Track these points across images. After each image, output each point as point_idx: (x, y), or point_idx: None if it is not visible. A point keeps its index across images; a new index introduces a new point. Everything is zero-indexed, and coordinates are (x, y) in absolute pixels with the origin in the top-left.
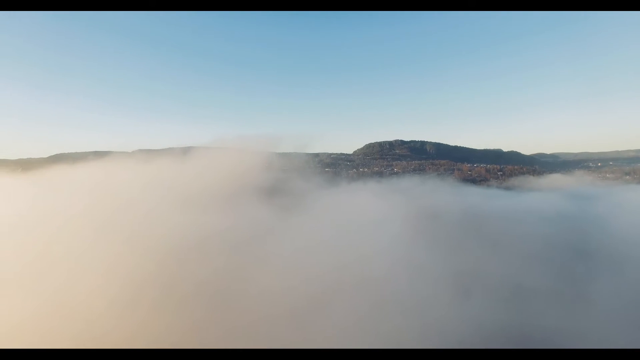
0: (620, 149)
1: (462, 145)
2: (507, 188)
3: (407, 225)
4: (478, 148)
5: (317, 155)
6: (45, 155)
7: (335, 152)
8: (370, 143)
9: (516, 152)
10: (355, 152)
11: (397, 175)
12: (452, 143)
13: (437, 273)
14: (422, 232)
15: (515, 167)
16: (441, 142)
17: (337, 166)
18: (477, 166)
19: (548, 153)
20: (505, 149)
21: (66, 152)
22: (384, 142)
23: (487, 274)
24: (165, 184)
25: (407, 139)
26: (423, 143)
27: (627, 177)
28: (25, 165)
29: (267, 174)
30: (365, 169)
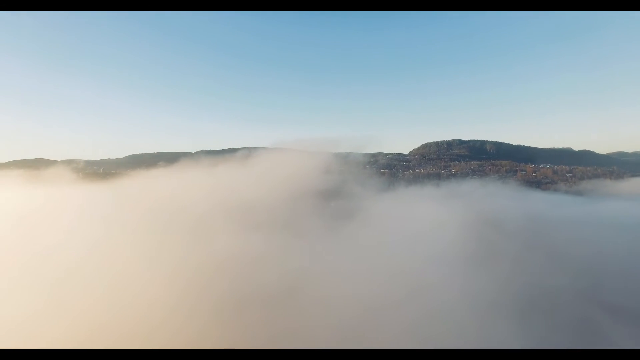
0: None
1: (525, 145)
2: (579, 193)
3: (465, 232)
4: (544, 147)
5: (373, 155)
6: (121, 156)
7: (391, 152)
8: (427, 143)
9: (589, 151)
10: (411, 152)
11: (455, 176)
12: (514, 142)
13: (496, 285)
14: (481, 241)
15: (589, 168)
16: (502, 141)
17: (393, 167)
18: (542, 167)
19: (630, 152)
20: (576, 148)
21: (139, 152)
22: (441, 141)
23: (553, 290)
24: (228, 188)
25: (465, 138)
26: (483, 142)
27: None
28: (106, 166)
29: (325, 176)
30: (422, 170)
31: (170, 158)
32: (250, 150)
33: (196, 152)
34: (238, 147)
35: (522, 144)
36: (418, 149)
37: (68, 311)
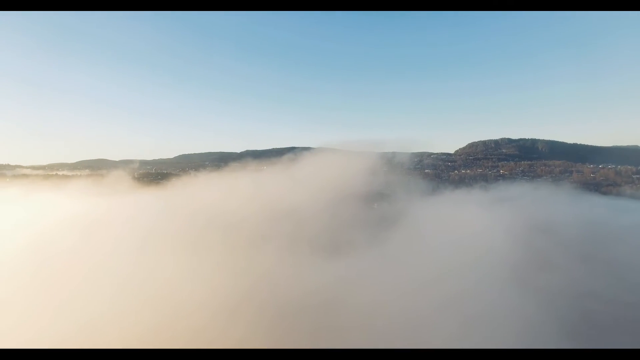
0: None
1: (583, 143)
2: None
3: (514, 240)
4: (604, 145)
5: (417, 155)
6: (172, 156)
7: (436, 151)
8: (474, 142)
9: None
10: (457, 151)
11: (503, 177)
12: (569, 140)
13: (548, 299)
14: (531, 250)
15: None
16: (556, 139)
17: (437, 167)
18: (603, 167)
19: None
20: None
21: (188, 153)
22: (488, 140)
23: (613, 307)
24: (273, 193)
25: (515, 136)
26: (534, 141)
27: None
28: (158, 166)
29: (369, 177)
30: (468, 171)
31: (217, 158)
32: (294, 151)
33: (241, 152)
34: (282, 147)
35: (578, 142)
36: (464, 148)
37: (124, 314)
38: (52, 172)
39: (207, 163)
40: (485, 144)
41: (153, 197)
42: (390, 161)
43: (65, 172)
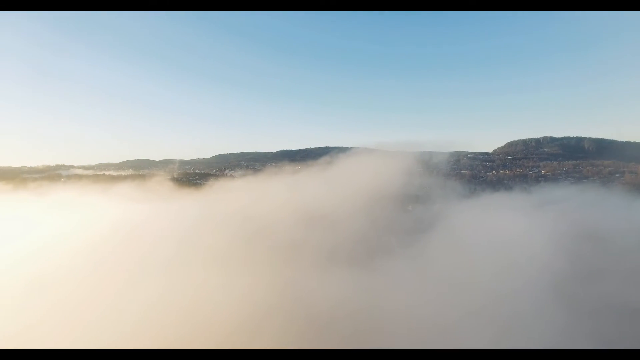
0: None
1: (636, 141)
2: None
3: (557, 248)
4: None
5: (454, 154)
6: (209, 156)
7: (473, 150)
8: (513, 141)
9: None
10: (495, 150)
11: (545, 178)
12: (620, 138)
13: (591, 313)
14: (578, 259)
15: None
16: (604, 137)
17: (475, 167)
18: None
19: None
20: None
21: (224, 152)
22: (529, 139)
23: None
24: (308, 195)
25: (558, 135)
26: (579, 139)
27: None
28: (196, 165)
29: (404, 178)
30: (507, 171)
31: (252, 158)
32: (328, 151)
33: (276, 153)
34: (316, 146)
35: (631, 140)
36: (503, 147)
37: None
38: (100, 172)
39: (242, 163)
40: (525, 142)
41: (190, 202)
42: (426, 161)
43: (111, 172)
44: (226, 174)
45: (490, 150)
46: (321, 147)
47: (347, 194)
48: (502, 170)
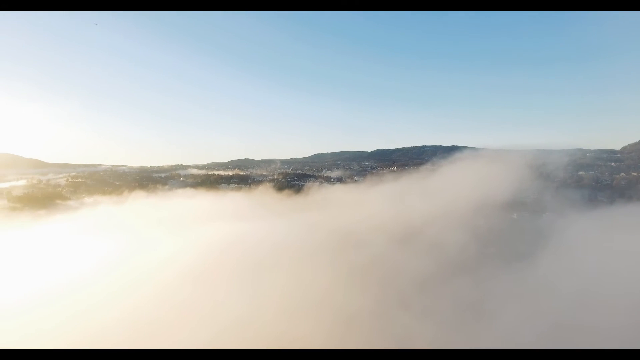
0: None
1: None
2: None
3: None
4: None
5: (569, 152)
6: (307, 156)
7: (594, 148)
8: None
9: None
10: (624, 148)
11: None
12: None
13: None
14: None
15: None
16: None
17: (596, 168)
18: None
19: None
20: None
21: (321, 152)
22: None
23: None
24: (407, 200)
25: None
26: None
27: None
28: (295, 165)
29: (509, 181)
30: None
31: (349, 158)
32: (424, 150)
33: (372, 152)
34: (413, 145)
35: None
36: (635, 144)
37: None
38: (210, 171)
39: (339, 162)
40: None
41: (288, 209)
42: (536, 162)
43: (220, 172)
44: (323, 174)
45: (618, 147)
46: (417, 147)
47: (446, 200)
48: (634, 172)
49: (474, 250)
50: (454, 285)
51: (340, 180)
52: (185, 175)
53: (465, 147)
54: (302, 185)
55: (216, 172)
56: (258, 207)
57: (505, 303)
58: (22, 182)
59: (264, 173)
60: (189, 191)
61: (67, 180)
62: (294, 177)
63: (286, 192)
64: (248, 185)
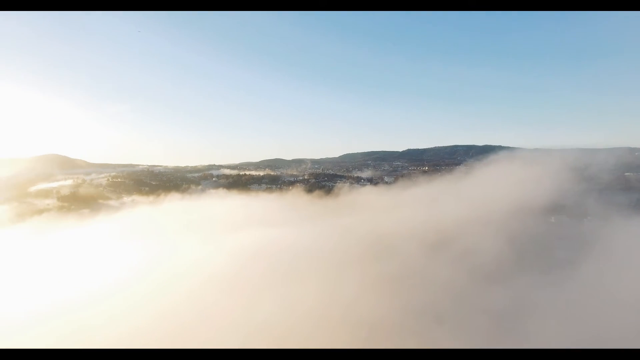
0: None
1: None
2: None
3: None
4: None
5: (615, 151)
6: (337, 155)
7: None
8: None
9: None
10: None
11: None
12: None
13: None
14: None
15: None
16: None
17: None
18: None
19: None
20: None
21: (352, 152)
22: None
23: None
24: (438, 203)
25: None
26: None
27: None
28: (325, 165)
29: (548, 182)
30: None
31: (379, 157)
32: (456, 150)
33: (403, 152)
34: (444, 145)
35: None
36: None
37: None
38: (242, 171)
39: (369, 162)
40: None
41: (319, 211)
42: (578, 163)
43: (251, 172)
44: (353, 175)
45: None
46: (449, 146)
47: (481, 204)
48: None
49: (510, 258)
50: (489, 295)
51: (370, 181)
52: (217, 176)
53: (499, 147)
54: (333, 186)
55: (247, 172)
56: (288, 210)
57: (543, 314)
58: (69, 182)
59: (295, 173)
60: (221, 192)
61: (108, 180)
62: (324, 178)
63: (316, 193)
64: (278, 186)
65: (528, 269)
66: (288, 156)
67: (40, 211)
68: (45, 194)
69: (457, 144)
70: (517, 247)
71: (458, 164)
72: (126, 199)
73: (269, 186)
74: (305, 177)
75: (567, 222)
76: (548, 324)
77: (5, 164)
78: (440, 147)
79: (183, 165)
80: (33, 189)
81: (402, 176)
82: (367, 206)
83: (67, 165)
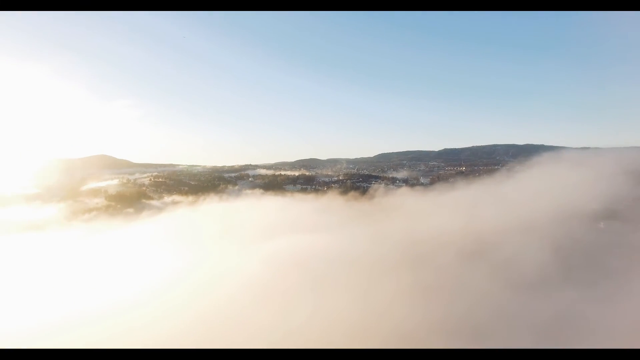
0: None
1: None
2: None
3: None
4: None
5: None
6: (372, 155)
7: None
8: None
9: None
10: None
11: None
12: None
13: None
14: None
15: None
16: None
17: None
18: None
19: None
20: None
21: (387, 152)
22: None
23: None
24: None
25: None
26: None
27: None
28: (360, 164)
29: (598, 185)
30: None
31: (414, 157)
32: (495, 149)
33: (439, 151)
34: (482, 144)
35: None
36: None
37: None
38: (277, 171)
39: (404, 162)
40: None
41: (355, 214)
42: (633, 163)
43: (287, 172)
44: (388, 175)
45: None
46: (488, 145)
47: (523, 210)
48: None
49: (554, 268)
50: (531, 309)
51: (406, 182)
52: (253, 176)
53: (541, 146)
54: (368, 187)
55: (283, 173)
56: (323, 213)
57: (592, 331)
58: (115, 182)
59: (329, 173)
60: (257, 192)
61: (150, 179)
62: (359, 178)
63: (351, 194)
64: (314, 187)
65: (575, 281)
66: (323, 156)
67: (91, 210)
68: (95, 193)
69: (495, 143)
70: (562, 257)
71: (497, 164)
72: (167, 198)
73: (304, 187)
74: (340, 178)
75: (618, 229)
76: (596, 342)
77: (60, 165)
78: (478, 146)
79: (220, 165)
80: (84, 188)
81: (438, 177)
82: (402, 210)
83: (114, 165)
